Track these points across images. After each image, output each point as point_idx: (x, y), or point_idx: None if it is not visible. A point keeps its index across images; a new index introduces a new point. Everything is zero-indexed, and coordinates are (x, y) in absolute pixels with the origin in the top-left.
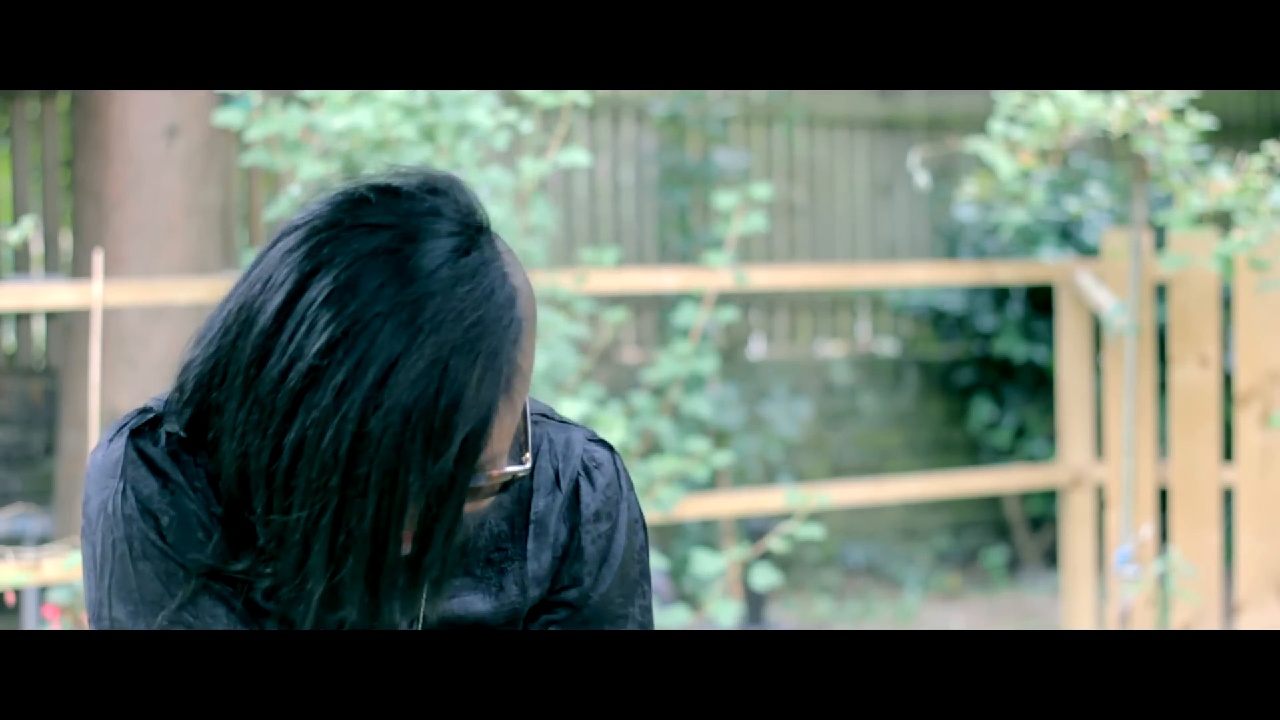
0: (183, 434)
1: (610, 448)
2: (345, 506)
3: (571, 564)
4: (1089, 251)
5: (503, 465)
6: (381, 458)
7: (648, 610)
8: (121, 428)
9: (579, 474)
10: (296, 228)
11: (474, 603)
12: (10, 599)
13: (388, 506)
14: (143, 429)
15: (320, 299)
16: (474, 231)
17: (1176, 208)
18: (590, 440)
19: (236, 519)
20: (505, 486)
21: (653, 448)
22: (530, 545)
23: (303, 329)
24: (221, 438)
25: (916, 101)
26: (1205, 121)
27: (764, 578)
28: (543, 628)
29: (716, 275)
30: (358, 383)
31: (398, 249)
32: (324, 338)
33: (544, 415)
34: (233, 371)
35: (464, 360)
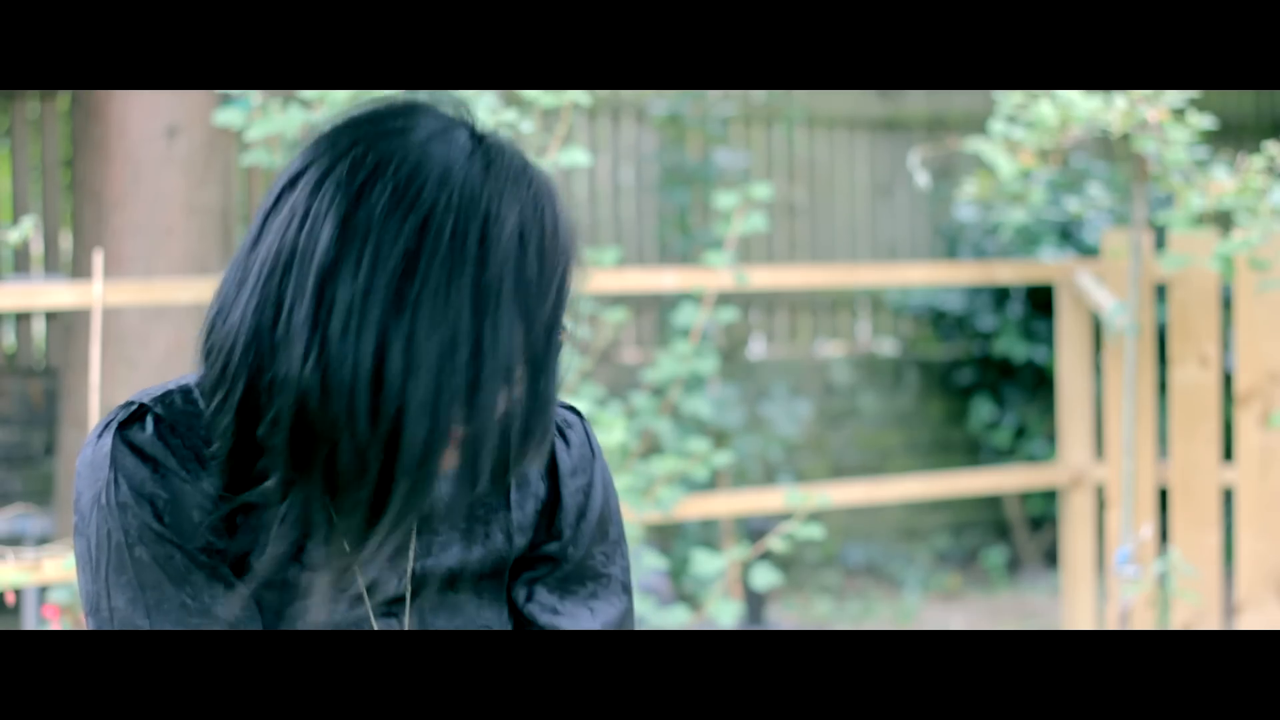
0: (233, 417)
1: (579, 412)
2: (468, 368)
3: (552, 517)
4: (1089, 251)
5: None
6: (499, 313)
7: (628, 572)
8: (109, 423)
9: (553, 434)
10: (310, 164)
11: (460, 551)
12: (10, 599)
13: (504, 355)
14: (129, 421)
15: (385, 201)
16: (470, 119)
17: (1176, 208)
18: (560, 405)
19: (242, 472)
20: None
21: (653, 448)
22: (513, 495)
23: (380, 234)
24: (282, 376)
25: (916, 101)
26: (1205, 121)
27: (764, 578)
28: (526, 585)
29: (716, 275)
30: (462, 251)
31: (428, 139)
32: (410, 225)
33: None
34: (289, 308)
35: (545, 205)
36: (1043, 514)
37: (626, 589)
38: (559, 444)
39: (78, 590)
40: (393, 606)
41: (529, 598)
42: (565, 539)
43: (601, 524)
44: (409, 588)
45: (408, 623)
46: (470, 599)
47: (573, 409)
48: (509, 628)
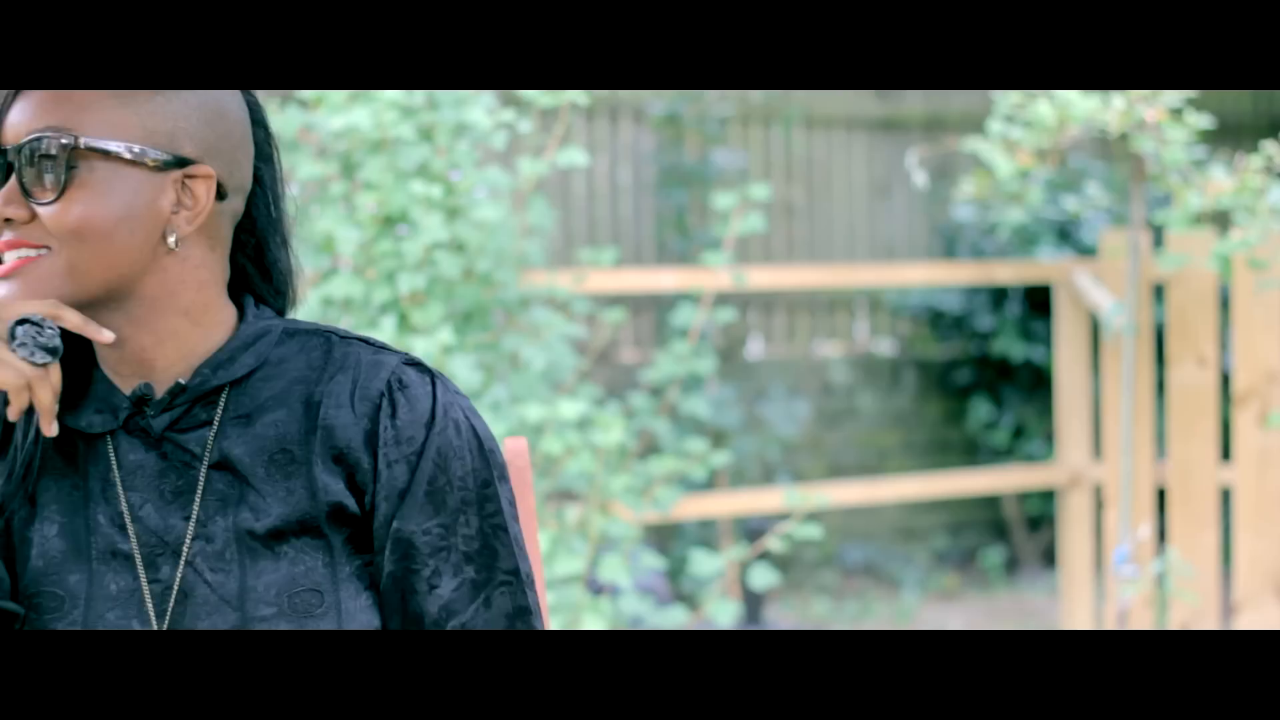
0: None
1: (430, 371)
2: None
3: (374, 491)
4: (1087, 251)
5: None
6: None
7: (482, 536)
8: None
9: (381, 395)
10: None
11: (265, 509)
12: None
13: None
14: None
15: None
16: None
17: (1174, 207)
18: (405, 364)
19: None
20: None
21: (651, 448)
22: (317, 448)
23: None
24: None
25: (915, 101)
26: (1203, 121)
27: (762, 578)
28: (379, 573)
29: (714, 275)
30: None
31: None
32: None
33: (361, 340)
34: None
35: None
36: (1041, 514)
37: (471, 559)
38: (384, 409)
39: None
40: (164, 563)
41: (380, 585)
42: (384, 513)
43: (434, 496)
44: (186, 547)
45: (179, 578)
46: (286, 551)
47: (423, 367)
48: (334, 581)
